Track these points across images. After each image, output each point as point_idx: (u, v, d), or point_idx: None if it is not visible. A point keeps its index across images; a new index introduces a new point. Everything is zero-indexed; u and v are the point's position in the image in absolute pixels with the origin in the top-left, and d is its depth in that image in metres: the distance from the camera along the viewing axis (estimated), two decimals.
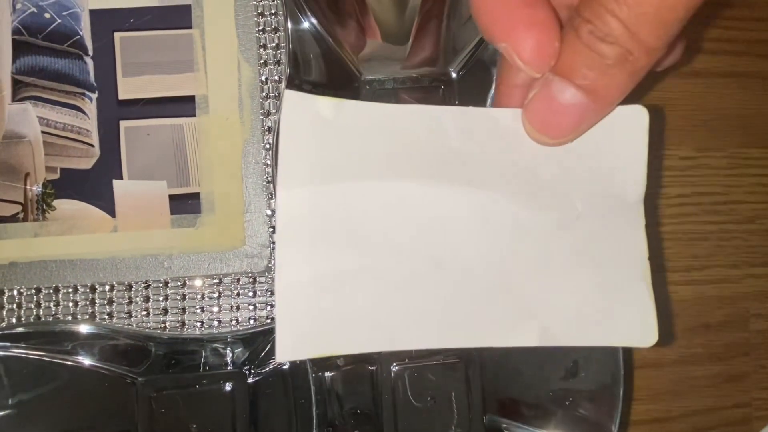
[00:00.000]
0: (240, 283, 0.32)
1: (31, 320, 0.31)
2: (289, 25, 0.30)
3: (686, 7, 0.18)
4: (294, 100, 0.21)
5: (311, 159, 0.21)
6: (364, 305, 0.21)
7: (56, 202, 0.31)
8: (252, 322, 0.31)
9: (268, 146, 0.32)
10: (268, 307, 0.31)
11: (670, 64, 0.23)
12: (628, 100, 0.21)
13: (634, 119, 0.22)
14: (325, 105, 0.21)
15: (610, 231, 0.22)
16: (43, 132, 0.31)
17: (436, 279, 0.22)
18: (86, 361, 0.30)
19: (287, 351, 0.21)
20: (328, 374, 0.31)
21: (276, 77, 0.32)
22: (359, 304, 0.21)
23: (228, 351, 0.31)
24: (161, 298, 0.31)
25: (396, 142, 0.22)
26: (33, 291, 0.31)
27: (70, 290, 0.31)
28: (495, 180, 0.22)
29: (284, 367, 0.31)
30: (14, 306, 0.31)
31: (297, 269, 0.21)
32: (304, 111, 0.21)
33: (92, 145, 0.31)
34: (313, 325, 0.21)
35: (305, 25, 0.30)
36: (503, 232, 0.22)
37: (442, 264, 0.22)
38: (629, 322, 0.22)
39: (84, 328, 0.30)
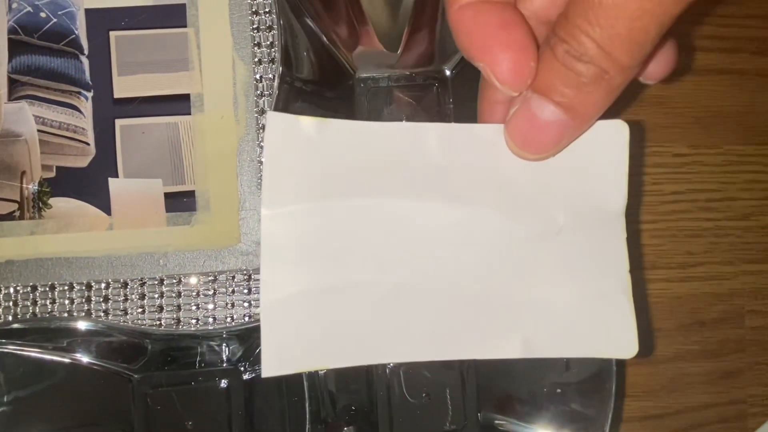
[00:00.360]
0: (235, 280, 0.32)
1: (27, 317, 0.31)
2: (282, 28, 0.30)
3: (658, 27, 0.19)
4: (277, 121, 0.22)
5: (295, 178, 0.22)
6: (349, 320, 0.22)
7: (52, 201, 0.31)
8: (247, 319, 0.32)
9: (262, 144, 0.32)
10: None
11: (662, 77, 0.23)
12: (611, 110, 0.21)
13: (615, 133, 0.23)
14: (309, 125, 0.22)
15: (591, 244, 0.23)
16: (39, 130, 0.31)
17: (421, 293, 0.22)
18: (82, 358, 0.30)
19: (273, 366, 0.21)
20: (321, 372, 0.31)
21: (271, 75, 0.32)
22: (344, 318, 0.22)
23: (223, 348, 0.31)
24: (157, 296, 0.31)
25: (380, 160, 0.22)
26: (29, 289, 0.31)
27: (66, 288, 0.31)
28: (478, 195, 0.22)
29: None
30: (10, 303, 0.31)
31: (281, 286, 0.21)
32: (287, 131, 0.21)
33: (88, 144, 0.32)
34: (299, 340, 0.21)
35: (298, 23, 0.31)
36: (487, 246, 0.22)
37: (426, 278, 0.22)
38: (610, 333, 0.23)
39: (80, 325, 0.30)
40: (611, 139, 0.23)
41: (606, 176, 0.23)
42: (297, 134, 0.22)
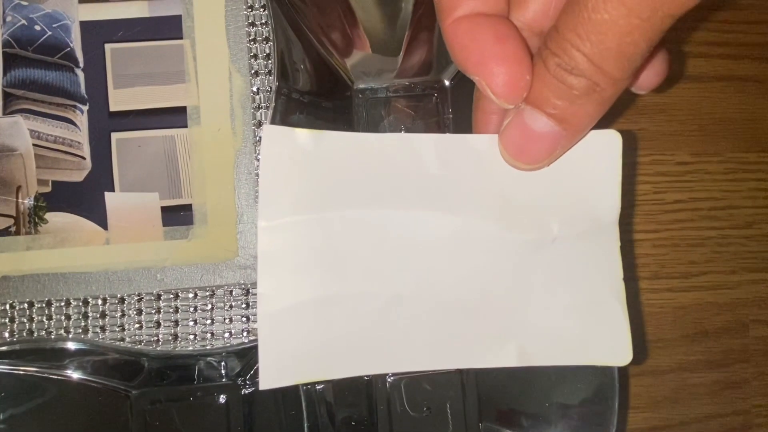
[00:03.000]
0: (233, 294, 0.31)
1: (24, 334, 0.30)
2: (279, 40, 0.30)
3: (647, 41, 0.19)
4: (273, 134, 0.22)
5: (291, 191, 0.22)
6: (346, 331, 0.22)
7: (48, 215, 0.31)
8: (245, 333, 0.31)
9: (260, 157, 0.31)
10: None
11: (653, 87, 0.24)
12: (607, 119, 0.21)
13: (608, 143, 0.23)
14: (305, 137, 0.22)
15: (586, 252, 0.23)
16: (34, 145, 0.31)
17: (418, 303, 0.22)
18: (79, 375, 0.29)
19: (270, 378, 0.21)
20: (319, 387, 0.30)
21: (268, 87, 0.32)
22: (341, 330, 0.22)
23: (222, 363, 0.31)
24: (154, 311, 0.31)
25: (376, 171, 0.22)
26: (25, 305, 0.31)
27: (63, 304, 0.31)
28: (473, 205, 0.22)
29: None
30: (6, 320, 0.31)
31: (279, 298, 0.21)
32: (283, 144, 0.22)
33: (84, 158, 0.31)
34: (296, 351, 0.21)
35: (295, 35, 0.30)
36: (482, 256, 0.23)
37: (423, 288, 0.22)
38: (604, 342, 0.23)
39: (75, 346, 0.29)
40: (604, 148, 0.23)
41: (599, 185, 0.23)
42: (293, 147, 0.22)
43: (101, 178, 0.31)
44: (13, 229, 0.31)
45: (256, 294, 0.31)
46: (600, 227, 0.23)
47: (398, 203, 0.22)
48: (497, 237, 0.23)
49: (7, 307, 0.31)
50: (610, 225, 0.23)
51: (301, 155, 0.22)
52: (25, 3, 0.31)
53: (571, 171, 0.23)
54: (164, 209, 0.31)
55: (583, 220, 0.23)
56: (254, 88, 0.32)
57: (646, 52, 0.19)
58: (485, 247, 0.23)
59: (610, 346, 0.23)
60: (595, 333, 0.23)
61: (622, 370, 0.31)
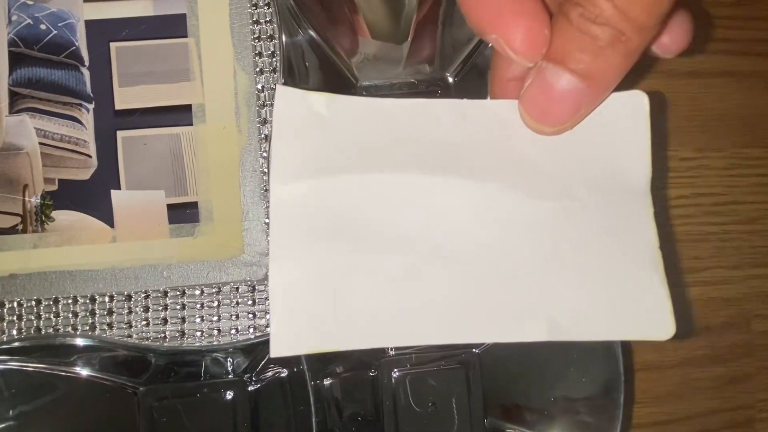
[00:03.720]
0: (239, 291, 0.32)
1: (32, 332, 0.31)
2: (284, 35, 0.30)
3: None
4: (286, 96, 0.21)
5: (305, 154, 0.21)
6: (363, 300, 0.20)
7: (55, 214, 0.31)
8: (251, 330, 0.31)
9: (265, 154, 0.32)
10: (267, 316, 0.31)
11: (679, 49, 0.22)
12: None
13: (634, 104, 0.22)
14: (318, 100, 0.21)
15: (617, 219, 0.21)
16: (40, 143, 0.31)
17: (438, 272, 0.21)
18: (87, 372, 0.30)
19: (282, 346, 0.20)
20: (327, 382, 0.31)
21: (272, 85, 0.32)
22: (358, 298, 0.20)
23: (228, 360, 0.31)
24: (161, 308, 0.31)
25: (392, 136, 0.21)
26: (33, 303, 0.31)
27: (70, 301, 0.31)
28: (494, 171, 0.21)
29: (283, 374, 0.31)
30: (14, 318, 0.31)
31: (292, 264, 0.20)
32: (296, 106, 0.21)
33: (90, 156, 0.31)
34: (310, 319, 0.20)
35: (299, 33, 0.30)
36: (506, 224, 0.21)
37: (443, 257, 0.21)
38: (643, 314, 0.21)
39: (83, 342, 0.30)
40: (630, 110, 0.22)
41: (627, 149, 0.22)
42: (307, 109, 0.21)
43: (107, 176, 0.31)
44: (20, 227, 0.31)
45: (262, 291, 0.31)
46: (631, 193, 0.22)
47: (417, 169, 0.21)
48: (521, 204, 0.21)
49: (15, 304, 0.31)
50: (642, 190, 0.22)
51: (315, 118, 0.21)
52: (30, 2, 0.32)
53: (596, 135, 0.22)
54: (170, 207, 0.31)
55: (612, 186, 0.22)
56: (259, 86, 0.32)
57: None
58: (509, 214, 0.21)
59: (650, 318, 0.21)
60: (632, 305, 0.21)
61: (628, 365, 0.31)
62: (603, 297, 0.21)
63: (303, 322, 0.20)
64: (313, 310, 0.20)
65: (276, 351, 0.20)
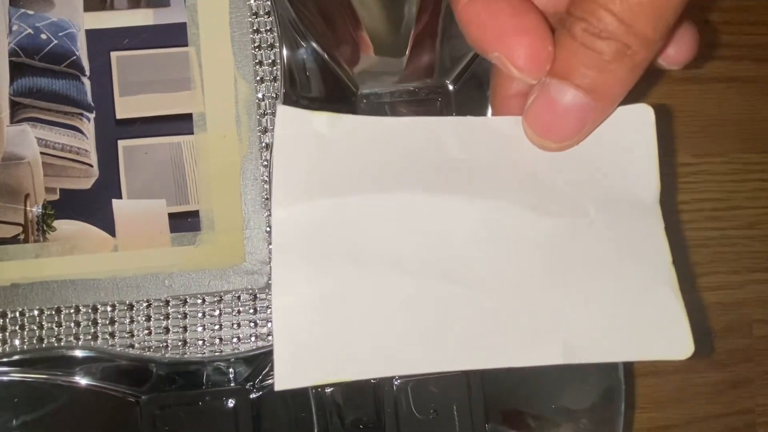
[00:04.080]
0: (240, 300, 0.32)
1: (34, 341, 0.31)
2: (284, 46, 0.30)
3: None
4: (288, 116, 0.21)
5: (307, 175, 0.20)
6: (369, 326, 0.20)
7: (56, 223, 0.31)
8: (253, 338, 0.31)
9: (266, 163, 0.32)
10: (269, 324, 0.31)
11: (685, 60, 0.22)
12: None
13: (640, 118, 0.22)
14: (320, 120, 0.21)
15: (627, 236, 0.21)
16: (42, 153, 0.31)
17: (446, 295, 0.20)
18: (89, 381, 0.30)
19: (286, 379, 0.19)
20: (328, 389, 0.31)
21: (273, 94, 0.32)
22: (363, 325, 0.20)
23: (230, 368, 0.31)
24: (162, 317, 0.31)
25: (395, 155, 0.21)
26: (35, 312, 0.31)
27: (72, 311, 0.31)
28: (499, 189, 0.21)
29: None
30: (17, 327, 0.31)
31: (295, 290, 0.20)
32: (298, 127, 0.21)
33: (91, 165, 0.32)
34: (314, 350, 0.20)
35: (300, 43, 0.31)
36: (513, 242, 0.21)
37: (450, 279, 0.20)
38: (659, 333, 0.21)
39: (84, 353, 0.30)
40: (636, 124, 0.21)
41: (635, 163, 0.21)
42: (308, 129, 0.21)
43: (109, 185, 0.31)
44: (21, 237, 0.31)
45: (264, 299, 0.32)
46: (640, 208, 0.21)
47: (420, 188, 0.21)
48: (529, 222, 0.21)
49: (17, 314, 0.31)
50: (651, 205, 0.21)
51: (317, 138, 0.20)
52: (31, 12, 0.32)
53: (602, 150, 0.21)
54: (171, 215, 0.32)
55: (620, 202, 0.21)
56: (259, 95, 0.32)
57: (678, 8, 0.18)
58: (516, 232, 0.21)
59: (667, 337, 0.20)
60: (647, 324, 0.21)
61: (628, 371, 0.31)
62: (617, 317, 0.21)
63: (307, 353, 0.20)
64: (319, 339, 0.20)
65: (280, 384, 0.19)
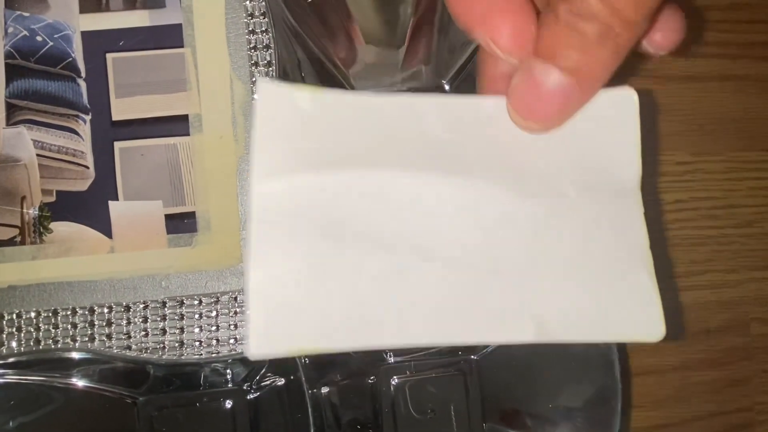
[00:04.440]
0: (237, 301, 0.32)
1: (31, 343, 0.31)
2: (280, 46, 0.30)
3: None
4: (268, 90, 0.20)
5: (287, 150, 0.20)
6: (345, 299, 0.20)
7: (53, 225, 0.31)
8: None
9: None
10: None
11: (671, 45, 0.22)
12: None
13: (623, 101, 0.21)
14: (302, 95, 0.20)
15: (606, 219, 0.21)
16: (38, 155, 0.31)
17: (423, 271, 0.20)
18: (86, 383, 0.30)
19: (261, 345, 0.19)
20: (324, 390, 0.31)
21: None
22: (340, 298, 0.20)
23: (227, 369, 0.31)
24: (159, 319, 0.31)
25: (377, 132, 0.21)
26: (32, 314, 0.31)
27: (69, 313, 0.31)
28: (482, 168, 0.21)
29: (281, 383, 0.31)
30: (13, 329, 0.31)
31: (273, 262, 0.20)
32: (279, 101, 0.20)
33: (87, 167, 0.32)
34: (290, 320, 0.19)
35: (296, 44, 0.31)
36: (492, 222, 0.21)
37: (428, 256, 0.20)
38: (632, 315, 0.21)
39: (81, 356, 0.30)
40: (620, 108, 0.21)
41: (617, 148, 0.21)
42: (290, 104, 0.20)
43: (105, 187, 0.31)
44: (18, 239, 0.31)
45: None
46: (621, 192, 0.21)
47: (403, 166, 0.21)
48: (508, 202, 0.21)
49: (14, 316, 0.31)
50: (632, 190, 0.21)
51: (298, 113, 0.20)
52: (26, 14, 0.32)
53: (585, 133, 0.21)
54: (168, 217, 0.32)
55: (601, 185, 0.21)
56: (255, 96, 0.32)
57: None
58: (495, 212, 0.21)
59: (640, 320, 0.21)
60: (621, 306, 0.21)
61: (625, 369, 0.31)
62: (592, 297, 0.21)
63: (283, 321, 0.19)
64: (295, 308, 0.20)
65: (254, 350, 0.19)
